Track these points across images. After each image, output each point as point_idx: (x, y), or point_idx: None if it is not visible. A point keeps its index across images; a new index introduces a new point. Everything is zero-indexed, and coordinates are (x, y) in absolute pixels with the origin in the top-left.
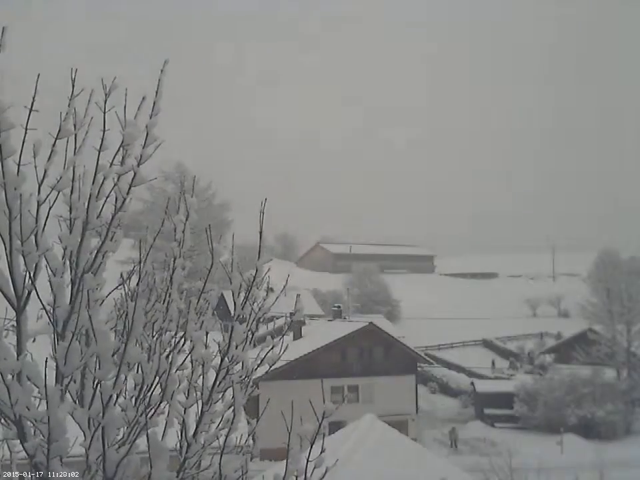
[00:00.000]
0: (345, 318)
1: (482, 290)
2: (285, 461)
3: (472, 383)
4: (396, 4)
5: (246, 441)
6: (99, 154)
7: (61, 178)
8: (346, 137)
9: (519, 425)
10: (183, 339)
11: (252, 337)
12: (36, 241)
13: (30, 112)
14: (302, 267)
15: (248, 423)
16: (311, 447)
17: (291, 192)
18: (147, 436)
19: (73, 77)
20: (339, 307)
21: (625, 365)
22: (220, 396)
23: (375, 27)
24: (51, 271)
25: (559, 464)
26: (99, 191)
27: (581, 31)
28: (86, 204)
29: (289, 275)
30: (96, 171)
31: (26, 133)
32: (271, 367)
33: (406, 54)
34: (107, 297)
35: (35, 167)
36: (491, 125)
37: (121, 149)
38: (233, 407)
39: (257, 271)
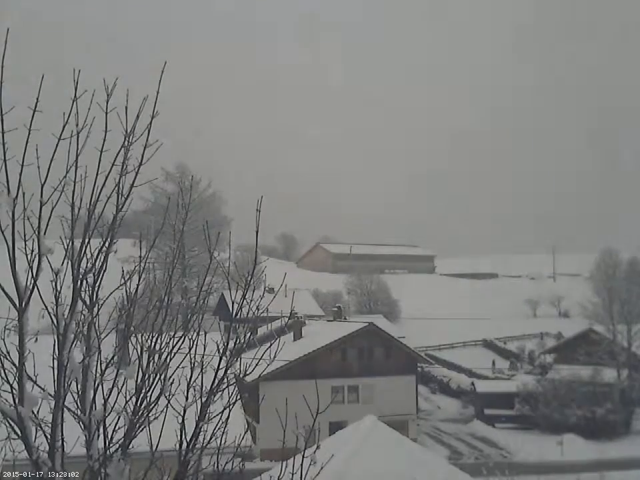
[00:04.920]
0: (345, 318)
1: (482, 290)
2: (286, 461)
3: (472, 383)
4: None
5: (241, 440)
6: (100, 154)
7: (63, 179)
8: (346, 137)
9: (519, 425)
10: (182, 339)
11: (250, 337)
12: (38, 242)
13: (34, 113)
14: (302, 267)
15: (247, 423)
16: (305, 444)
17: (292, 192)
18: (148, 435)
19: (76, 78)
20: (339, 307)
21: (625, 365)
22: (218, 396)
23: (375, 26)
24: (53, 271)
25: (560, 464)
26: (100, 192)
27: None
28: (88, 205)
29: (285, 274)
30: (97, 172)
31: (29, 133)
32: (268, 366)
33: (405, 51)
34: (107, 297)
35: (38, 168)
36: (491, 124)
37: (122, 149)
38: (229, 407)
39: (253, 270)
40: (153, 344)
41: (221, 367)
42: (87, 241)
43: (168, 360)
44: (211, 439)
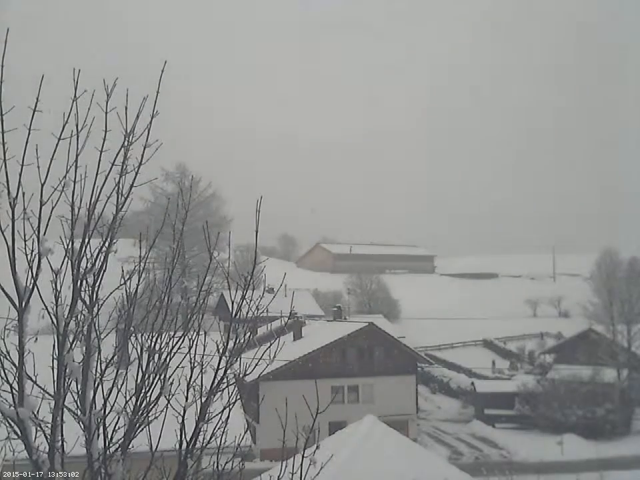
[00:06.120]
0: (345, 318)
1: (482, 290)
2: (286, 461)
3: (472, 383)
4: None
5: (241, 440)
6: (100, 154)
7: (63, 179)
8: (346, 137)
9: (519, 425)
10: (182, 339)
11: (250, 337)
12: (38, 242)
13: (33, 113)
14: (302, 267)
15: (247, 423)
16: (305, 444)
17: (292, 192)
18: (148, 435)
19: (76, 77)
20: (339, 307)
21: (625, 365)
22: (218, 396)
23: (371, 28)
24: (53, 271)
25: (560, 464)
26: (100, 192)
27: (582, 29)
28: (88, 205)
29: (285, 274)
30: (97, 172)
31: (29, 133)
32: (268, 366)
33: (404, 53)
34: (107, 297)
35: (38, 168)
36: (491, 125)
37: (122, 149)
38: (229, 407)
39: (252, 270)
40: (152, 344)
41: (220, 367)
42: (87, 241)
43: (168, 360)
44: (210, 438)
